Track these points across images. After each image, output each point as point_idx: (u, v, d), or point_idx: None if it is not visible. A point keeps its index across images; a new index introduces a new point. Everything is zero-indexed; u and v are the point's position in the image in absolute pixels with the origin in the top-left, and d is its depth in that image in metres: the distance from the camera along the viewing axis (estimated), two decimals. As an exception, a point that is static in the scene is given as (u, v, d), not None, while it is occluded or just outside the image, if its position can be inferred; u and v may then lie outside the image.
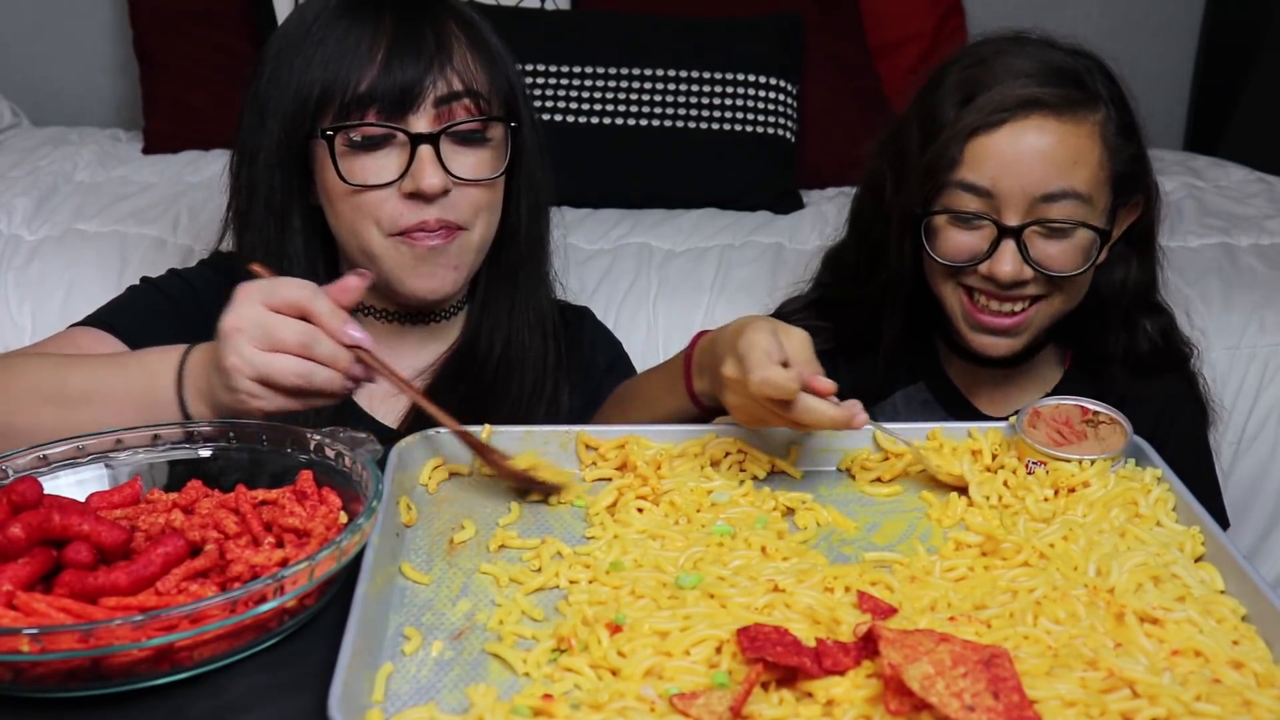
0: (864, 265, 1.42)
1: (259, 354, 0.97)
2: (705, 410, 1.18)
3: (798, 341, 1.06)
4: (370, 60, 1.21)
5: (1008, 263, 1.28)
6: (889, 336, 1.42)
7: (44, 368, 1.11)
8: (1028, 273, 1.29)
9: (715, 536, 0.98)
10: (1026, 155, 1.27)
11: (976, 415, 1.44)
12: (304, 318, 0.98)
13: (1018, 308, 1.32)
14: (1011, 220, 1.27)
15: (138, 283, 1.39)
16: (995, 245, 1.28)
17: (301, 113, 1.23)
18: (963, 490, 1.05)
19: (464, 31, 1.26)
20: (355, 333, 0.99)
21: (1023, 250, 1.28)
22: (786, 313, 1.53)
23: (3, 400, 1.08)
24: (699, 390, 1.16)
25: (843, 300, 1.48)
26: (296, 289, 0.98)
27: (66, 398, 1.06)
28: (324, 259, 1.31)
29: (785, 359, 1.02)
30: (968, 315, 1.34)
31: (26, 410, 1.07)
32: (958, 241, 1.31)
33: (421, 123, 1.22)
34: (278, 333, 0.97)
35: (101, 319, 1.30)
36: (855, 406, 1.02)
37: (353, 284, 1.01)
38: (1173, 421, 1.40)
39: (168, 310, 1.32)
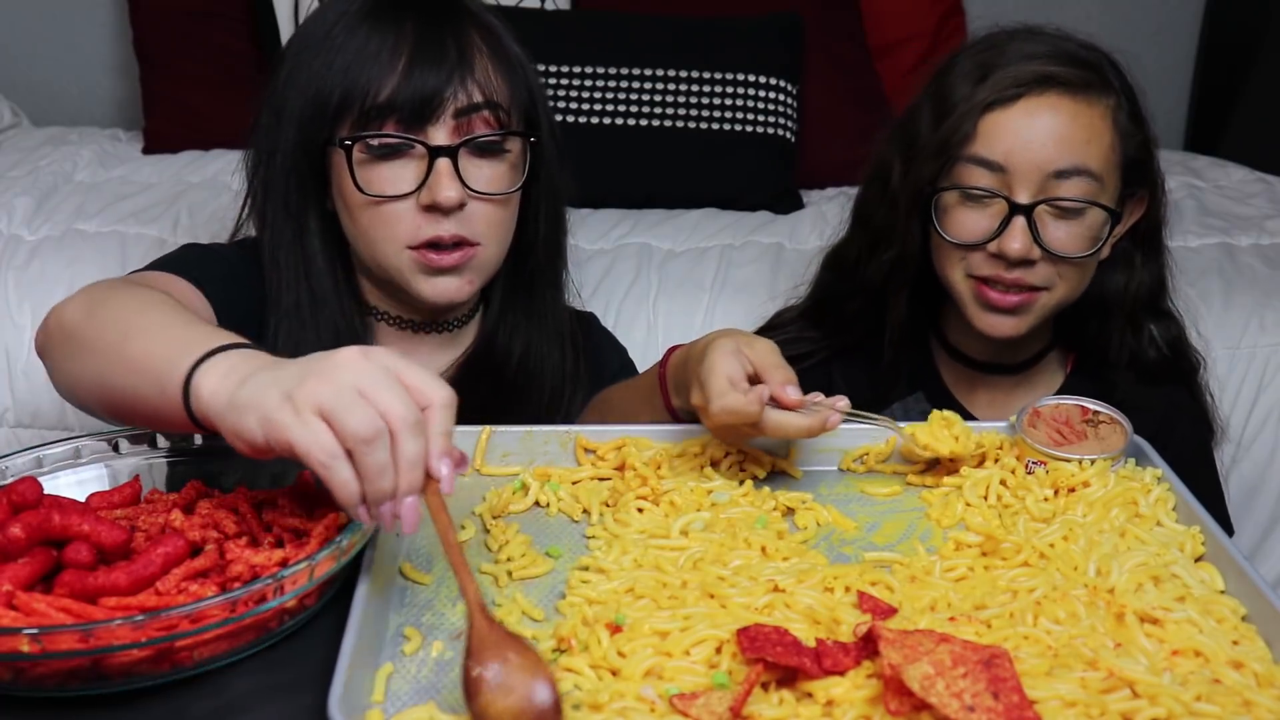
0: (865, 252, 1.41)
1: (350, 387, 0.80)
2: (684, 423, 1.18)
3: (763, 350, 1.05)
4: (391, 68, 1.20)
5: (1017, 239, 1.26)
6: (894, 319, 1.40)
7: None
8: (1036, 252, 1.27)
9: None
10: (1040, 131, 1.26)
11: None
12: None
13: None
14: (1023, 197, 1.26)
15: (186, 245, 1.36)
16: (1006, 222, 1.27)
17: (320, 118, 1.22)
18: (952, 467, 1.07)
19: (485, 40, 1.25)
20: (446, 470, 0.82)
21: (1033, 229, 1.26)
22: (782, 323, 1.52)
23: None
24: (677, 406, 1.16)
25: (842, 295, 1.46)
26: (440, 387, 0.83)
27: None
28: (341, 261, 1.31)
29: (751, 374, 1.03)
30: (978, 295, 1.32)
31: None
32: (968, 220, 1.30)
33: (440, 134, 1.21)
34: (386, 392, 0.80)
35: (186, 274, 1.21)
36: (827, 410, 1.02)
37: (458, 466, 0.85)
38: (1173, 428, 1.38)
39: (235, 274, 1.27)
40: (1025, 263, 1.28)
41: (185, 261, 1.26)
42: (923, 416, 1.42)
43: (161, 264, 1.25)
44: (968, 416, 1.41)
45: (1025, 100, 1.27)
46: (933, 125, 1.32)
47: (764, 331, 1.52)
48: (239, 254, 1.32)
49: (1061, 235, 1.28)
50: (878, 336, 1.42)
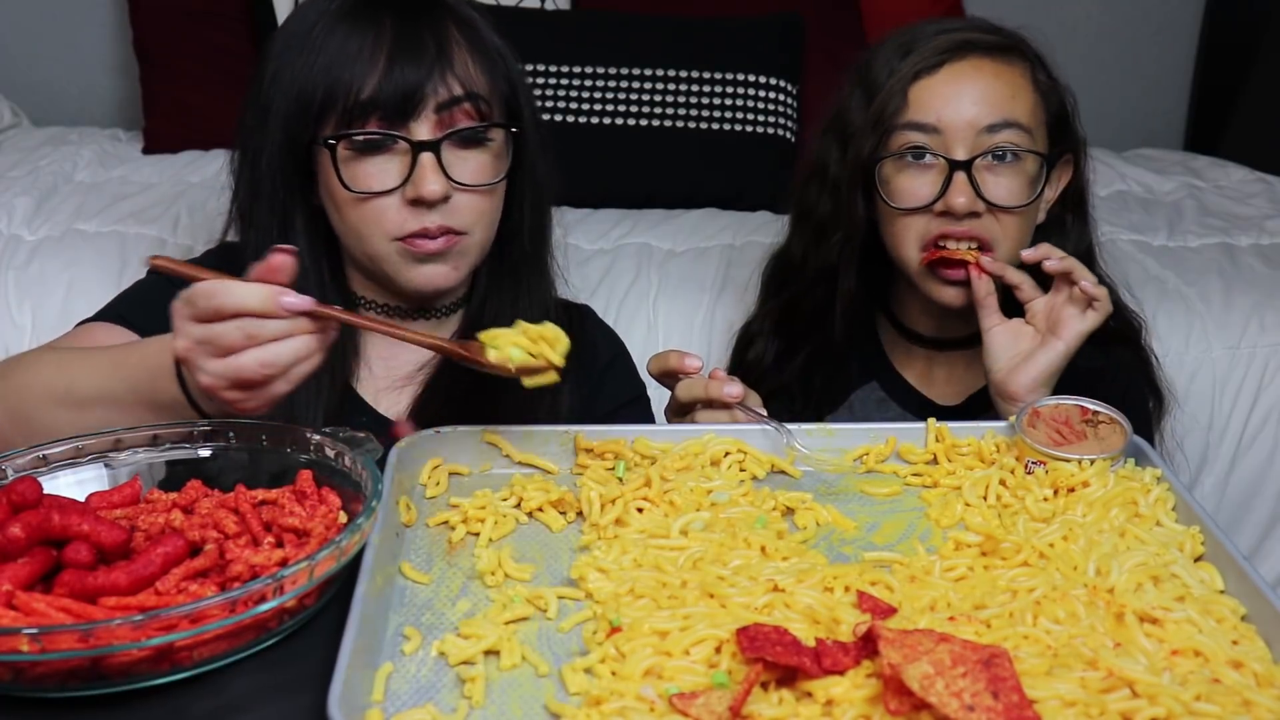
0: (812, 244, 1.46)
1: (220, 363, 0.95)
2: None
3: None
4: (371, 66, 1.21)
5: (961, 194, 1.32)
6: (844, 293, 1.45)
7: (52, 365, 1.12)
8: (980, 205, 1.33)
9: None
10: (967, 90, 1.34)
11: (931, 406, 1.46)
12: (236, 315, 0.96)
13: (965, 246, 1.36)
14: (959, 154, 1.33)
15: (144, 276, 1.39)
16: (948, 181, 1.33)
17: (303, 117, 1.24)
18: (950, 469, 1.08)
19: (463, 34, 1.26)
20: (291, 300, 0.95)
21: (973, 183, 1.32)
22: (754, 335, 1.57)
23: (18, 401, 1.10)
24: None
25: (801, 293, 1.49)
26: (210, 297, 0.95)
27: (75, 398, 1.07)
28: (328, 258, 1.31)
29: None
30: (932, 271, 1.37)
31: (42, 411, 1.08)
32: (910, 185, 1.35)
33: (423, 129, 1.22)
34: (223, 340, 0.95)
35: (115, 311, 1.30)
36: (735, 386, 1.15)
37: (277, 263, 0.97)
38: (1125, 395, 1.40)
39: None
40: (972, 216, 1.33)
41: (124, 300, 1.34)
42: (879, 404, 1.48)
43: (103, 311, 1.32)
44: (924, 400, 1.46)
45: (949, 65, 1.35)
46: (865, 106, 1.38)
47: (741, 349, 1.58)
48: (209, 261, 1.34)
49: (1001, 188, 1.34)
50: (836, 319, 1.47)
